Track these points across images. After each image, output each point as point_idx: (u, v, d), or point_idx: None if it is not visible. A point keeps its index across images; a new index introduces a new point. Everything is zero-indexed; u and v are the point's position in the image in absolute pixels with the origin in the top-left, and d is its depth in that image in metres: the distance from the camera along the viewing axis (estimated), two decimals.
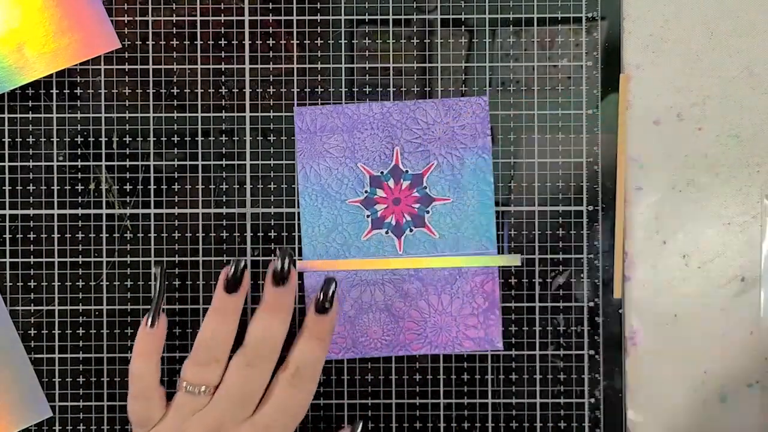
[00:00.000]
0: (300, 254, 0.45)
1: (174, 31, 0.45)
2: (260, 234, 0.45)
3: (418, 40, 0.45)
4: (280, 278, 0.41)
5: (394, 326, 0.44)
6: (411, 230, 0.44)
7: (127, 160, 0.45)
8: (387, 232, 0.44)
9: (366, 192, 0.44)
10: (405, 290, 0.44)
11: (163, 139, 0.45)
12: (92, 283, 0.45)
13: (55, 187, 0.45)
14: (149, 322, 0.42)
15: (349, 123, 0.44)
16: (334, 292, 0.42)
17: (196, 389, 0.40)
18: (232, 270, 0.41)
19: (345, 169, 0.44)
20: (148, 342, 0.42)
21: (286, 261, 0.41)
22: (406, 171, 0.44)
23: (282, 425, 0.41)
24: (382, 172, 0.44)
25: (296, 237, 0.45)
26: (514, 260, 0.44)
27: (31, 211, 0.45)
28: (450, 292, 0.44)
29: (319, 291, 0.42)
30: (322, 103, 0.45)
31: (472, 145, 0.44)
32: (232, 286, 0.41)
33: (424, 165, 0.44)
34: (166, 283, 0.44)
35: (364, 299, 0.44)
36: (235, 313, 0.42)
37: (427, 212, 0.44)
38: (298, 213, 0.45)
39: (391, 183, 0.44)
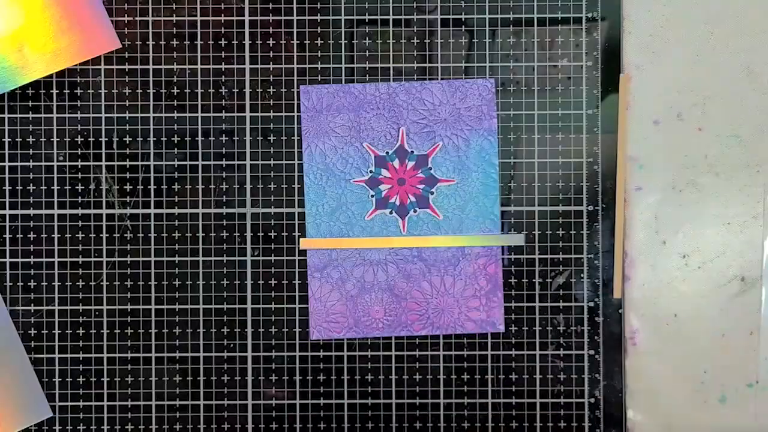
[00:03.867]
0: (303, 233, 0.45)
1: (174, 31, 0.45)
2: (260, 234, 0.45)
3: (418, 40, 0.45)
4: None
5: (396, 306, 0.44)
6: (415, 211, 0.44)
7: (127, 160, 0.45)
8: (391, 212, 0.44)
9: (371, 172, 0.44)
10: (408, 271, 0.44)
11: (163, 139, 0.45)
12: (92, 283, 0.45)
13: (55, 187, 0.45)
14: None
15: (355, 102, 0.44)
16: None
17: None
18: None
19: (350, 149, 0.44)
20: None
21: None
22: (412, 152, 0.44)
23: None
24: (387, 152, 0.44)
25: (296, 237, 0.45)
26: (517, 239, 0.44)
27: (31, 211, 0.45)
28: (453, 273, 0.44)
29: None
30: (322, 80, 0.45)
31: (477, 127, 0.44)
32: None
33: (430, 146, 0.44)
34: None
35: (366, 279, 0.44)
36: None
37: (432, 193, 0.44)
38: (299, 213, 0.45)
39: (396, 163, 0.44)
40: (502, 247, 0.45)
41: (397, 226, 0.45)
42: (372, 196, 0.45)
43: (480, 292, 0.45)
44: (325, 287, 0.45)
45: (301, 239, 0.45)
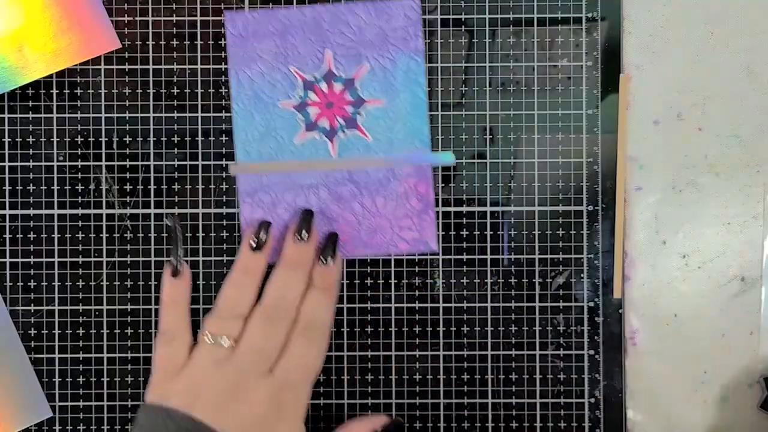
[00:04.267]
0: (234, 159, 0.45)
1: (174, 31, 0.45)
2: None
3: None
4: (300, 234, 0.42)
5: (329, 229, 0.44)
6: (344, 133, 0.44)
7: (127, 160, 0.45)
8: (320, 136, 0.44)
9: (299, 96, 0.44)
10: (339, 193, 0.45)
11: (163, 139, 0.45)
12: (92, 283, 0.45)
13: (55, 187, 0.45)
14: (173, 273, 0.43)
15: (281, 28, 0.44)
16: (335, 243, 0.43)
17: (218, 340, 0.41)
18: (258, 229, 0.43)
19: (277, 74, 0.44)
20: (175, 291, 0.43)
21: (307, 218, 0.43)
22: (339, 74, 0.44)
23: (299, 379, 0.41)
24: (314, 76, 0.44)
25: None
26: (447, 157, 0.45)
27: (32, 211, 0.45)
28: (384, 194, 0.45)
29: (325, 243, 0.43)
30: (251, 7, 0.45)
31: (404, 48, 0.44)
32: (257, 244, 0.43)
33: (357, 68, 0.44)
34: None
35: (298, 203, 0.44)
36: (259, 271, 0.43)
37: (360, 115, 0.44)
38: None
39: (323, 86, 0.44)
40: (501, 245, 0.45)
41: (326, 150, 0.44)
42: (301, 120, 0.44)
43: (412, 212, 0.45)
44: (256, 212, 0.45)
45: (230, 165, 0.45)
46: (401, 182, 0.44)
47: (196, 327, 0.44)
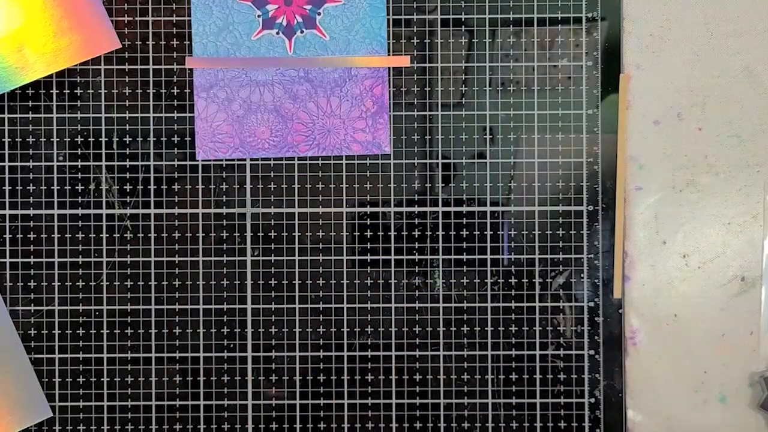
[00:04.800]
0: (191, 52, 0.45)
1: (174, 31, 0.45)
2: (260, 234, 0.45)
3: (418, 40, 0.45)
4: None
5: (282, 127, 0.44)
6: (302, 31, 0.44)
7: (127, 160, 0.45)
8: (278, 33, 0.44)
9: None
10: (294, 92, 0.44)
11: (163, 139, 0.45)
12: (92, 283, 0.45)
13: (55, 187, 0.45)
14: None
15: None
16: None
17: None
18: None
19: None
20: None
21: None
22: None
23: None
24: None
25: (296, 237, 0.45)
26: (403, 60, 0.44)
27: (31, 211, 0.45)
28: (339, 94, 0.45)
29: None
30: None
31: None
32: None
33: None
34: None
35: (253, 99, 0.44)
36: None
37: (319, 14, 0.44)
38: (299, 213, 0.45)
39: None
40: (501, 245, 0.45)
41: (283, 47, 0.44)
42: (259, 16, 0.44)
43: (366, 114, 0.45)
44: (211, 107, 0.45)
45: (187, 58, 0.44)
46: (357, 84, 0.44)
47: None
